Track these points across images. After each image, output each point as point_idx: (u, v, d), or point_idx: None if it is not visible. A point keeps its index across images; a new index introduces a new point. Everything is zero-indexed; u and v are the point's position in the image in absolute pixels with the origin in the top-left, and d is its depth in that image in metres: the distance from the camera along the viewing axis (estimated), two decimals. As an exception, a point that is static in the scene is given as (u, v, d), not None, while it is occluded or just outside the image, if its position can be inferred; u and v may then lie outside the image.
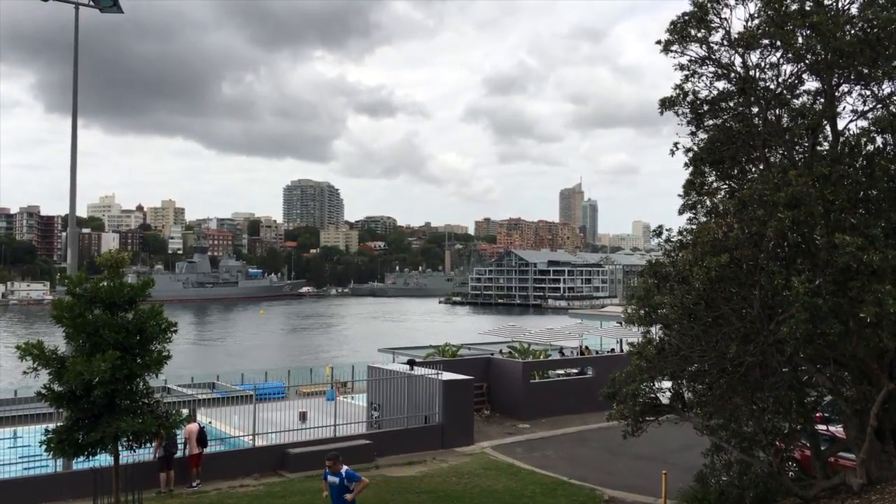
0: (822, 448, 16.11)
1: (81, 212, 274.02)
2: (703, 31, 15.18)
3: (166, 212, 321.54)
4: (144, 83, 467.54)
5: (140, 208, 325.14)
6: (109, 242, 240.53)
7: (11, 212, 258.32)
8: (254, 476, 21.93)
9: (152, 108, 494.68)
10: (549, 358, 36.30)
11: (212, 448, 23.40)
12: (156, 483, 20.23)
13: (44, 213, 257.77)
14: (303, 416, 25.72)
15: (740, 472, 15.42)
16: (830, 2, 14.41)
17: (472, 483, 20.93)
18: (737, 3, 14.93)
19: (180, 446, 21.05)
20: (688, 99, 15.77)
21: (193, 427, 21.08)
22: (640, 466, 22.49)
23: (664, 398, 15.92)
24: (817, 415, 16.52)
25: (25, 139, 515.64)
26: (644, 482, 20.48)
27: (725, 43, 15.12)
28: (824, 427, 16.88)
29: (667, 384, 16.26)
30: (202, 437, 21.42)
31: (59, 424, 15.16)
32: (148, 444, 16.23)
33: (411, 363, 28.74)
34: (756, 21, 14.87)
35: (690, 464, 17.78)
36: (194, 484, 20.79)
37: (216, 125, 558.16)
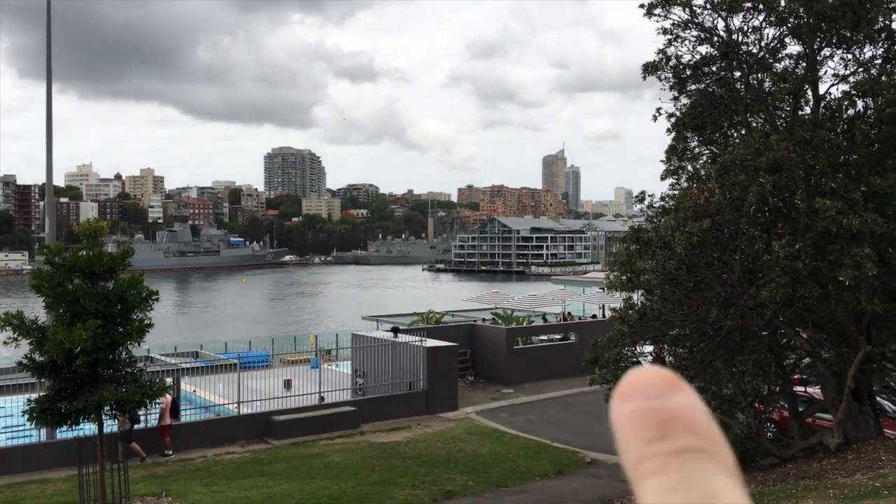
0: (800, 409, 16.41)
1: (59, 181, 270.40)
2: (686, -6, 15.06)
3: (145, 181, 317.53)
4: (118, 47, 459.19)
5: (118, 177, 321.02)
6: (88, 212, 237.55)
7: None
8: (239, 443, 22.02)
9: (127, 73, 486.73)
10: (533, 324, 36.54)
11: (197, 416, 23.45)
12: (148, 451, 20.35)
13: (20, 182, 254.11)
14: (287, 384, 25.77)
15: (720, 434, 15.66)
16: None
17: (456, 448, 21.15)
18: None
19: (154, 417, 21.11)
20: (671, 63, 15.70)
21: (168, 398, 21.09)
22: (621, 429, 22.80)
23: (646, 362, 16.10)
24: (795, 377, 16.80)
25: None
26: (626, 445, 20.77)
27: (708, 6, 15.03)
28: (802, 389, 17.17)
29: (648, 348, 16.42)
30: (175, 408, 21.61)
31: (41, 394, 15.10)
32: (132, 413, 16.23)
33: (395, 330, 28.81)
34: (739, -16, 14.77)
35: (671, 426, 18.00)
36: (168, 453, 20.84)
37: (193, 91, 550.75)
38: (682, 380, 0.50)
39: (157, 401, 17.40)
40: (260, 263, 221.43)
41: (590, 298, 43.36)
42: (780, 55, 15.35)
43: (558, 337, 34.70)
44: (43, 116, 23.81)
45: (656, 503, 0.46)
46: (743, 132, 15.64)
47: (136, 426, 20.62)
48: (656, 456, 0.47)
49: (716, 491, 0.46)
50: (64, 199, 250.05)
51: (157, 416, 21.13)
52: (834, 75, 14.92)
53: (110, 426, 17.13)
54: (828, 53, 14.95)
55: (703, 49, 15.66)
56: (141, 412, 20.49)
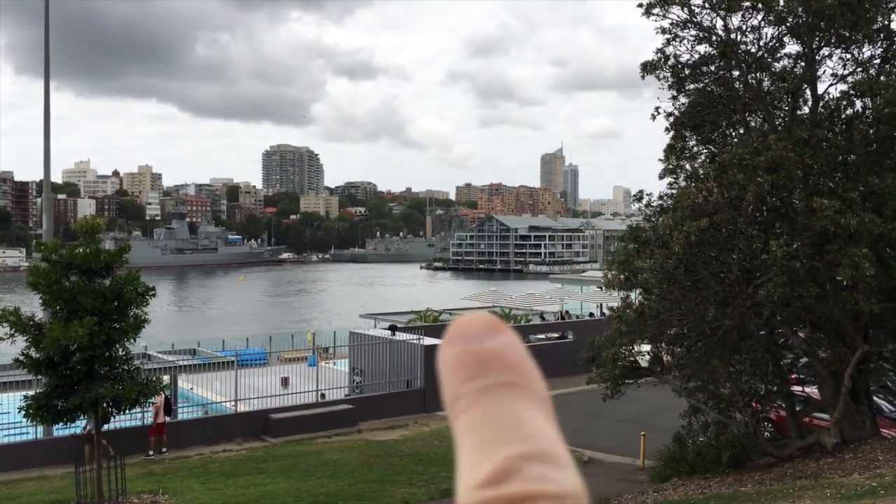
0: (798, 409, 16.41)
1: (56, 178, 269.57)
2: (685, -7, 15.04)
3: (143, 178, 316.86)
4: (116, 44, 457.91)
5: (116, 174, 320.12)
6: (85, 209, 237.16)
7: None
8: (236, 441, 22.00)
9: (126, 70, 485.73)
10: (530, 323, 36.56)
11: (194, 414, 23.44)
12: (141, 449, 20.30)
13: (17, 179, 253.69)
14: (285, 382, 25.76)
15: (717, 433, 15.68)
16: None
17: (453, 446, 21.15)
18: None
19: (149, 415, 21.06)
20: (669, 63, 15.69)
21: (161, 397, 21.02)
22: (619, 428, 22.83)
23: (643, 361, 16.10)
24: (793, 376, 16.81)
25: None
26: (623, 443, 20.79)
27: (707, 5, 15.02)
28: (800, 388, 17.17)
29: (646, 347, 16.42)
30: (168, 407, 21.51)
31: (38, 391, 15.08)
32: (128, 411, 16.19)
33: (393, 328, 28.81)
34: (738, -17, 14.75)
35: (669, 425, 18.04)
36: (158, 451, 20.76)
37: (192, 88, 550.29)
38: (504, 324, 0.51)
39: (151, 399, 17.36)
40: (257, 261, 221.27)
41: (587, 297, 43.40)
42: (778, 54, 15.34)
43: (556, 336, 34.71)
44: (40, 113, 23.79)
45: (465, 437, 0.48)
46: (741, 131, 15.63)
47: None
48: (469, 393, 0.49)
49: (522, 419, 0.47)
50: (61, 196, 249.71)
51: (152, 414, 21.10)
52: (832, 75, 14.91)
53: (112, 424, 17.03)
54: (826, 53, 14.95)
55: (702, 48, 15.65)
56: (136, 410, 20.41)
